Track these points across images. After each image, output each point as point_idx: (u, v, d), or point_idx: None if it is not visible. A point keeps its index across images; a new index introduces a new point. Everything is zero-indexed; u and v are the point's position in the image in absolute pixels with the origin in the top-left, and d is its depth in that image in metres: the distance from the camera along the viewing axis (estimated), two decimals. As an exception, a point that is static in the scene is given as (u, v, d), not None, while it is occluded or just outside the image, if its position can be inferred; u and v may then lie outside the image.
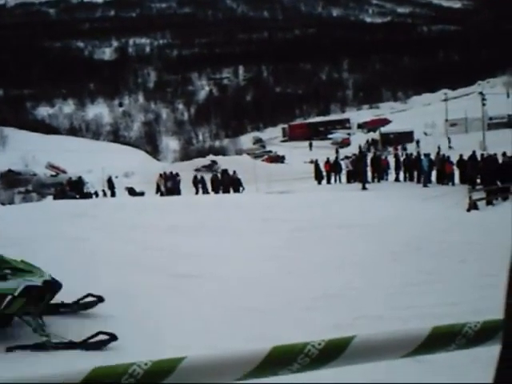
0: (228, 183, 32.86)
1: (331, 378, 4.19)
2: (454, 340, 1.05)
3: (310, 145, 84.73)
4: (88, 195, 34.31)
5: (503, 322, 0.44)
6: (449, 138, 58.78)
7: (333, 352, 1.01)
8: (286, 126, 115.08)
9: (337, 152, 60.14)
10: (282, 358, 1.01)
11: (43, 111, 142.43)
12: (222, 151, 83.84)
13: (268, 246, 11.17)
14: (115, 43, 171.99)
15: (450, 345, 1.05)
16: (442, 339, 1.05)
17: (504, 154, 24.23)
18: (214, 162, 47.14)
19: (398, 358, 1.06)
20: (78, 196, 31.03)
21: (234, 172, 33.58)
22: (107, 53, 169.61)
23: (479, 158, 25.90)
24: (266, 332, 5.36)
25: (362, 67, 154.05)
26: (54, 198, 32.25)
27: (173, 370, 0.98)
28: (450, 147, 49.02)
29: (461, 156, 26.77)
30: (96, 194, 36.65)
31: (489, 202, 21.84)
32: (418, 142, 61.44)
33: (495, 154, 25.30)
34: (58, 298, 6.64)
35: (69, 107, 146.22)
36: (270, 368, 1.01)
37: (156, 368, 0.98)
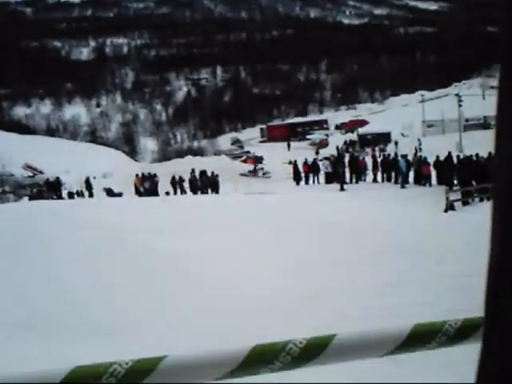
0: (207, 184, 32.84)
1: (315, 377, 4.20)
2: (434, 338, 1.05)
3: (289, 145, 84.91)
4: (71, 195, 34.11)
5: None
6: (419, 140, 59.27)
7: (314, 350, 1.01)
8: (264, 126, 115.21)
9: (317, 153, 60.34)
10: (264, 357, 1.01)
11: (20, 111, 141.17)
12: (200, 152, 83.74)
13: (248, 247, 11.17)
14: (92, 43, 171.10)
15: (431, 342, 1.05)
16: (422, 337, 1.05)
17: (477, 156, 24.61)
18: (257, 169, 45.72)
19: (380, 356, 1.06)
20: (55, 197, 30.82)
21: (213, 173, 33.55)
22: (84, 53, 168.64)
23: (455, 159, 26.14)
24: (247, 332, 5.36)
25: (339, 68, 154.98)
26: (30, 199, 31.99)
27: (154, 368, 0.98)
28: (420, 149, 49.40)
29: (437, 157, 27.02)
30: (77, 193, 36.39)
31: (465, 203, 22.07)
32: (396, 143, 61.82)
33: (471, 156, 25.61)
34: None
35: (46, 107, 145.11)
36: (252, 367, 1.01)
37: (137, 367, 0.98)
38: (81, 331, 6.12)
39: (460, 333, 1.05)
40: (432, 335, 1.04)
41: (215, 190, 32.58)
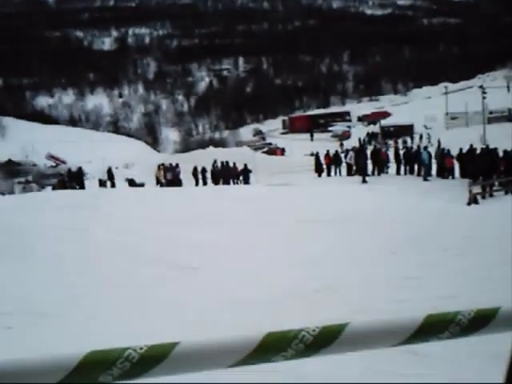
0: (229, 175, 32.91)
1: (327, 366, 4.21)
2: (447, 328, 1.05)
3: (311, 135, 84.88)
4: (103, 183, 34.47)
5: None
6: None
7: (327, 338, 1.02)
8: (286, 118, 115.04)
9: (341, 145, 60.15)
10: (277, 344, 1.02)
11: (43, 101, 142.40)
12: (221, 143, 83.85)
13: (268, 238, 11.19)
14: (115, 33, 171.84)
15: (444, 333, 1.05)
16: (435, 327, 1.05)
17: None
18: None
19: (393, 345, 1.07)
20: (77, 187, 31.05)
21: (234, 164, 33.61)
22: (107, 43, 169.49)
23: (478, 152, 25.86)
24: (264, 323, 5.37)
25: (362, 59, 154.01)
26: (53, 189, 32.27)
27: (168, 354, 0.99)
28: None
29: (461, 150, 26.76)
30: (100, 183, 36.61)
31: (489, 196, 21.91)
32: (421, 136, 61.34)
33: (495, 148, 25.30)
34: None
35: (68, 97, 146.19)
36: (264, 354, 1.02)
37: (151, 352, 0.99)
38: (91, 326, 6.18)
39: (473, 323, 1.05)
40: (445, 325, 1.04)
41: (238, 180, 32.67)
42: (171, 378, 1.03)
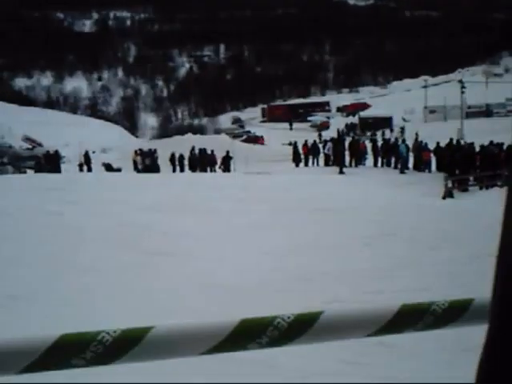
0: (206, 162, 32.80)
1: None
2: (421, 318, 1.06)
3: (291, 125, 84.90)
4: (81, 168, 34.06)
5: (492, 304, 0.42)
6: (402, 128, 59.58)
7: (302, 326, 1.02)
8: (265, 106, 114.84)
9: (320, 136, 60.17)
10: (251, 331, 1.01)
11: (20, 82, 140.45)
12: (200, 130, 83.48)
13: (244, 226, 11.20)
14: (95, 15, 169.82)
15: (418, 323, 1.06)
16: (410, 316, 1.06)
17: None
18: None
19: (368, 335, 1.07)
20: (52, 170, 30.72)
21: (212, 151, 33.51)
22: (87, 25, 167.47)
23: (456, 147, 26.10)
24: (237, 311, 5.39)
25: (343, 50, 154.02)
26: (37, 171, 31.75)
27: (141, 338, 0.98)
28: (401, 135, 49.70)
29: (438, 143, 26.97)
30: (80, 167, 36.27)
31: (464, 191, 22.13)
32: (402, 128, 61.28)
33: (472, 143, 25.59)
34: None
35: (47, 79, 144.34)
36: (239, 341, 1.01)
37: (125, 336, 0.98)
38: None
39: (448, 314, 1.06)
40: (419, 315, 1.05)
41: (214, 168, 32.59)
42: (145, 364, 1.02)
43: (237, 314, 1.07)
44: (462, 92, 57.97)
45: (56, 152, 35.72)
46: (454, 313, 1.06)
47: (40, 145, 61.46)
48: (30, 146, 61.56)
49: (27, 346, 0.94)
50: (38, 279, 7.08)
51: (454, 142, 27.12)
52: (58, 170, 32.08)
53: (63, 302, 6.12)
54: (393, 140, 34.33)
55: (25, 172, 35.57)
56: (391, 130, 64.76)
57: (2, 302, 6.04)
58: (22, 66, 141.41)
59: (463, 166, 22.95)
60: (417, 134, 38.80)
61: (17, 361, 0.93)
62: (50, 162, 32.81)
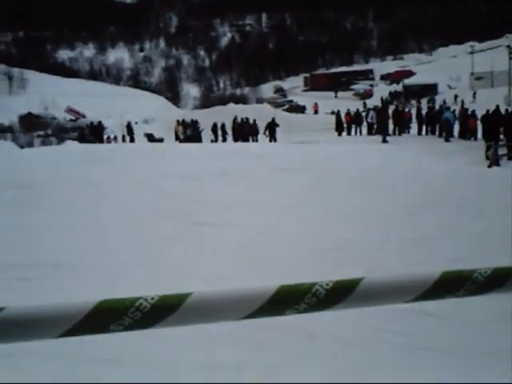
0: (248, 132, 32.73)
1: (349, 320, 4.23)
2: (463, 285, 1.04)
3: (336, 92, 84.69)
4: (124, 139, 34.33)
5: None
6: (474, 93, 57.86)
7: (340, 292, 1.01)
8: (307, 75, 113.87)
9: (364, 104, 59.43)
10: (289, 297, 1.01)
11: (63, 54, 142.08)
12: (242, 99, 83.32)
13: (285, 196, 11.18)
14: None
15: (459, 290, 1.04)
16: (450, 284, 1.04)
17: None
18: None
19: (407, 301, 1.05)
20: (96, 141, 31.12)
21: (254, 121, 33.43)
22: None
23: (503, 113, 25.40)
24: (278, 279, 5.41)
25: (387, 17, 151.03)
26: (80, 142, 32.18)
27: (180, 304, 0.99)
28: (474, 101, 48.38)
29: (487, 111, 26.11)
30: (115, 138, 36.71)
31: (510, 158, 21.65)
32: (456, 96, 59.19)
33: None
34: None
35: (89, 51, 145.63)
36: (277, 307, 1.01)
37: (163, 302, 0.99)
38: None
39: (490, 282, 1.04)
40: (461, 283, 1.03)
41: (256, 138, 32.52)
42: (182, 328, 1.03)
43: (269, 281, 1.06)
44: (510, 58, 56.38)
45: (99, 123, 36.12)
46: (496, 281, 1.04)
47: (83, 116, 62.33)
48: (74, 118, 62.47)
49: (67, 311, 0.95)
50: (83, 249, 7.21)
51: (502, 109, 26.41)
52: (101, 140, 32.50)
53: (108, 271, 6.23)
54: (437, 107, 33.74)
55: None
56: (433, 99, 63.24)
57: (49, 271, 6.17)
58: (65, 38, 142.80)
59: (510, 133, 22.42)
60: (462, 102, 37.97)
61: (57, 326, 0.95)
62: (94, 133, 33.21)
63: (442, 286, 1.03)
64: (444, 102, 29.29)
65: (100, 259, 6.71)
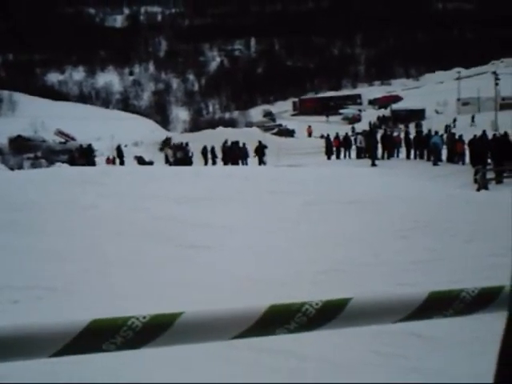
0: (238, 155, 32.82)
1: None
2: (451, 305, 1.05)
3: (327, 116, 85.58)
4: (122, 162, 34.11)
5: None
6: (454, 119, 58.46)
7: (330, 312, 1.02)
8: (296, 99, 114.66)
9: (353, 129, 59.82)
10: (280, 317, 1.02)
11: (53, 77, 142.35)
12: (231, 123, 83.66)
13: (276, 219, 11.18)
14: (126, 11, 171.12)
15: (447, 310, 1.05)
16: (439, 304, 1.05)
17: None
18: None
19: (396, 321, 1.07)
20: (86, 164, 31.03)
21: (244, 144, 33.54)
22: (118, 20, 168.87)
23: (490, 138, 25.67)
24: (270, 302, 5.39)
25: (374, 43, 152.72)
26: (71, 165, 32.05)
27: (171, 324, 0.99)
28: (454, 126, 48.85)
29: (475, 136, 26.31)
30: (114, 159, 36.56)
31: (499, 182, 21.82)
32: (455, 119, 59.19)
33: (506, 134, 25.15)
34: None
35: (79, 74, 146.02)
36: (268, 326, 1.02)
37: (154, 321, 0.99)
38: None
39: (477, 301, 1.05)
40: (449, 302, 1.04)
41: (246, 161, 32.60)
42: (174, 348, 1.03)
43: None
44: (496, 84, 57.09)
45: (89, 146, 36.09)
46: (484, 300, 1.05)
47: (73, 139, 62.30)
48: (63, 140, 62.42)
49: (59, 330, 0.96)
50: (76, 273, 7.16)
51: (489, 134, 26.68)
52: (92, 163, 32.45)
53: (98, 295, 6.19)
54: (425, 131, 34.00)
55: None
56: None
57: (41, 293, 6.13)
58: (55, 61, 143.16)
59: (497, 157, 22.62)
60: (450, 126, 38.33)
61: (49, 345, 0.95)
62: (84, 156, 33.18)
63: (430, 306, 1.04)
64: (436, 132, 29.46)
65: (92, 282, 6.68)
